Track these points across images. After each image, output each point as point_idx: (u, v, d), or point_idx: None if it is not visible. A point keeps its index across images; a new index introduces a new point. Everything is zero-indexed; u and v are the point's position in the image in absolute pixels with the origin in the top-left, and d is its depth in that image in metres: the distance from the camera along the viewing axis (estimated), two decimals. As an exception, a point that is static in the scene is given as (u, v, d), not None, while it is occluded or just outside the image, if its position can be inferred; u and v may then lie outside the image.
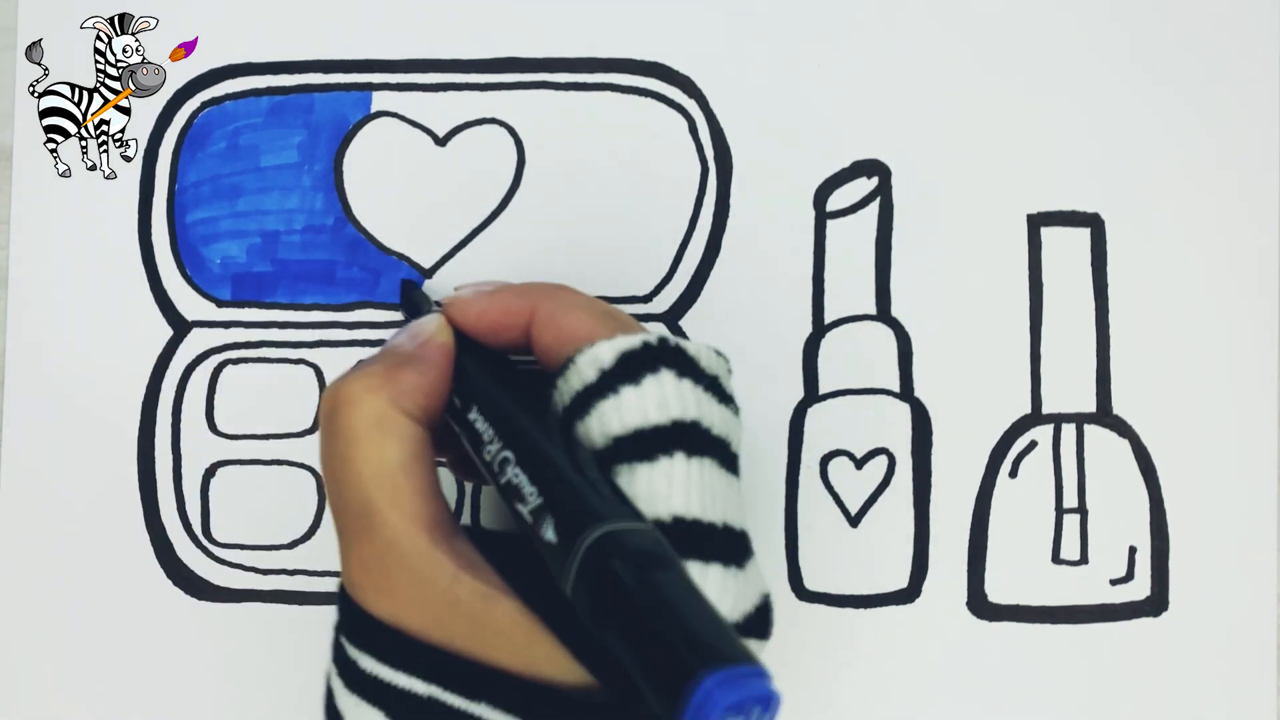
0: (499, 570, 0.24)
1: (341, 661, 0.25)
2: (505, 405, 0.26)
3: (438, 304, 0.29)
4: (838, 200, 0.36)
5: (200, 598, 0.35)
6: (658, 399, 0.25)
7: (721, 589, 0.24)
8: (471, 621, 0.23)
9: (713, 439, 0.25)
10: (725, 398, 0.26)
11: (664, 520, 0.24)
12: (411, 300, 0.33)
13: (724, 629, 0.20)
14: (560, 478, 0.24)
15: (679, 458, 0.24)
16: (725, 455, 0.26)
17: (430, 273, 0.36)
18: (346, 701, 0.24)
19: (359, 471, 0.24)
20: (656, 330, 0.27)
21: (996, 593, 0.35)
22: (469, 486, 0.35)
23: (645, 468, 0.24)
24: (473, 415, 0.26)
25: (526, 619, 0.23)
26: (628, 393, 0.25)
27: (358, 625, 0.24)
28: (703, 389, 0.26)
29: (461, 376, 0.27)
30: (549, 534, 0.23)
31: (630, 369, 0.25)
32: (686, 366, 0.26)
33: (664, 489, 0.24)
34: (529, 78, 0.36)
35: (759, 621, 0.25)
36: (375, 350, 0.28)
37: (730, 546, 0.24)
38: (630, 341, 0.25)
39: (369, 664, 0.24)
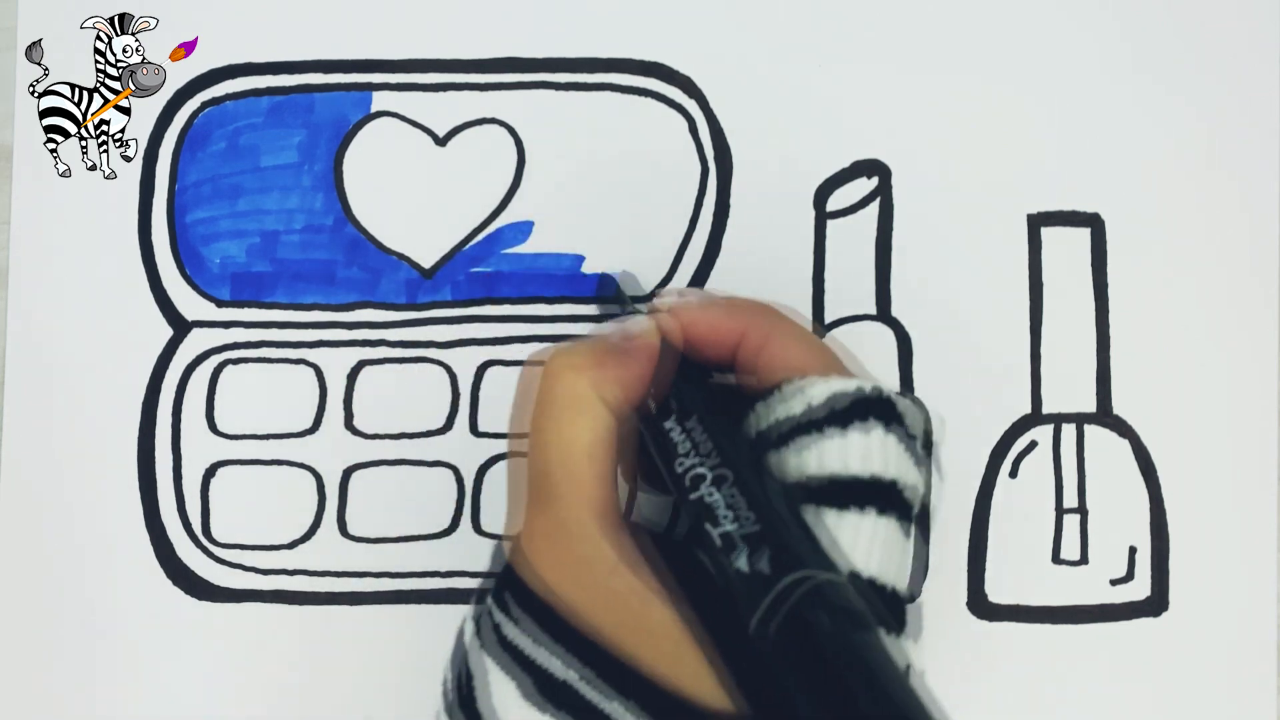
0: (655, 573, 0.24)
1: (487, 621, 0.25)
2: (708, 421, 0.26)
3: (634, 301, 0.29)
4: (838, 200, 0.36)
5: (200, 598, 0.35)
6: (862, 451, 0.25)
7: None
8: (625, 617, 0.23)
9: (903, 501, 0.25)
10: (920, 458, 0.26)
11: (860, 577, 0.24)
12: (612, 295, 0.33)
13: (916, 693, 0.20)
14: (763, 510, 0.23)
15: (869, 514, 0.24)
16: (908, 518, 0.25)
17: (430, 273, 0.36)
18: (482, 664, 0.24)
19: (547, 443, 0.25)
20: (868, 379, 0.26)
21: (996, 593, 0.35)
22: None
23: (833, 516, 0.24)
24: (669, 424, 0.26)
25: (678, 628, 0.23)
26: (832, 437, 0.25)
27: (513, 589, 0.24)
28: (904, 448, 0.25)
29: (662, 384, 0.27)
30: (740, 563, 0.22)
31: (839, 415, 0.25)
32: (894, 421, 0.25)
33: (849, 542, 0.24)
34: (529, 78, 0.36)
35: None
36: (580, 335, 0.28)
37: (898, 612, 0.24)
38: (843, 386, 0.25)
39: (512, 631, 0.24)
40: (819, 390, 0.25)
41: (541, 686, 0.23)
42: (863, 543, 0.24)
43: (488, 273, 0.35)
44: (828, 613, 0.21)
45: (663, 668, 0.23)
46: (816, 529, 0.24)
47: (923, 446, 0.26)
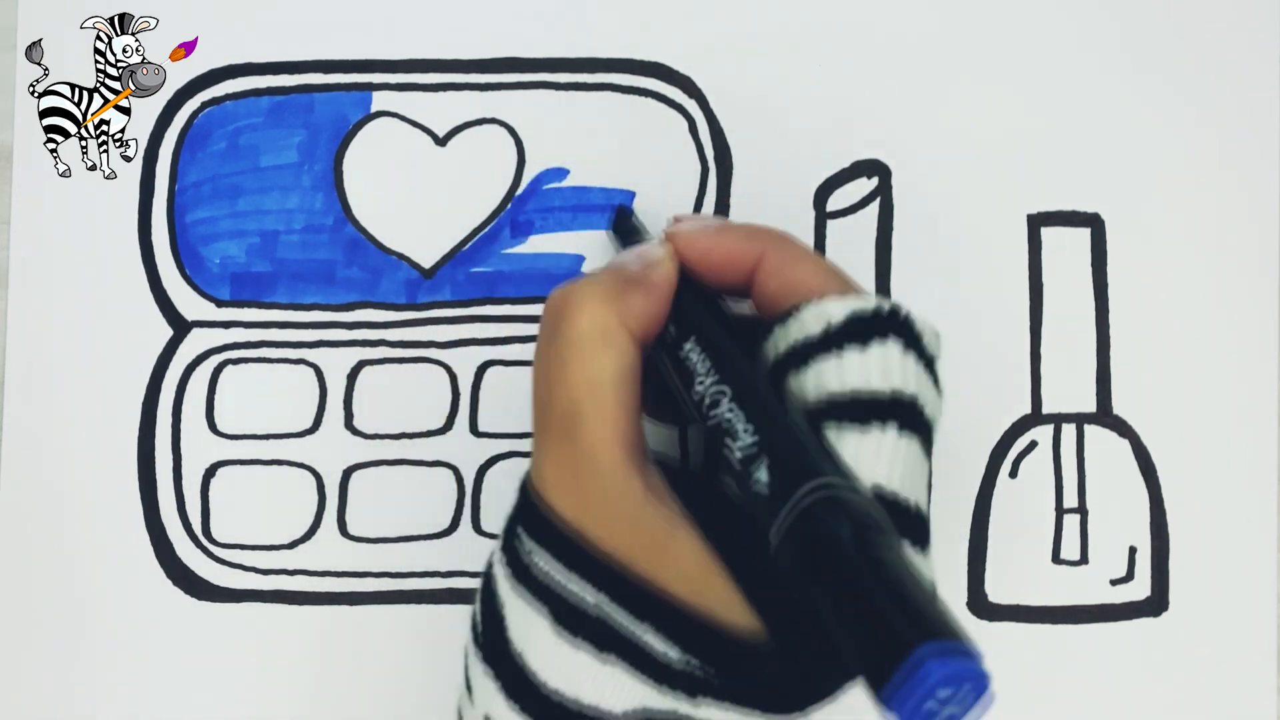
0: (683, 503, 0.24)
1: (513, 555, 0.25)
2: (725, 342, 0.26)
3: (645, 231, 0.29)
4: (838, 200, 0.36)
5: (200, 598, 0.35)
6: (882, 367, 0.24)
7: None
8: (652, 547, 0.23)
9: (924, 419, 0.25)
10: (937, 381, 0.26)
11: (865, 488, 0.23)
12: (625, 226, 0.33)
13: (942, 606, 0.20)
14: (781, 425, 0.23)
15: (891, 431, 0.24)
16: (928, 436, 0.25)
17: (430, 272, 0.36)
18: (511, 597, 0.24)
19: (575, 375, 0.24)
20: (887, 299, 0.26)
21: (996, 593, 0.35)
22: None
23: (855, 433, 0.24)
24: (688, 347, 0.26)
25: (706, 555, 0.23)
26: (853, 355, 0.24)
27: (540, 522, 0.24)
28: (924, 367, 0.25)
29: (680, 308, 0.27)
30: (760, 477, 0.22)
31: (859, 332, 0.25)
32: (913, 340, 0.25)
33: (871, 458, 0.24)
34: (529, 78, 0.36)
35: None
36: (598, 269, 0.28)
37: (920, 530, 0.24)
38: (862, 303, 0.25)
39: (543, 560, 0.24)
40: (838, 309, 0.25)
41: (568, 617, 0.23)
42: (885, 458, 0.24)
43: (488, 273, 0.35)
44: (842, 520, 0.21)
45: (691, 595, 0.23)
46: (840, 445, 0.24)
47: (918, 357, 0.25)
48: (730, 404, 0.24)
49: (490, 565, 0.26)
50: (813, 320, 0.25)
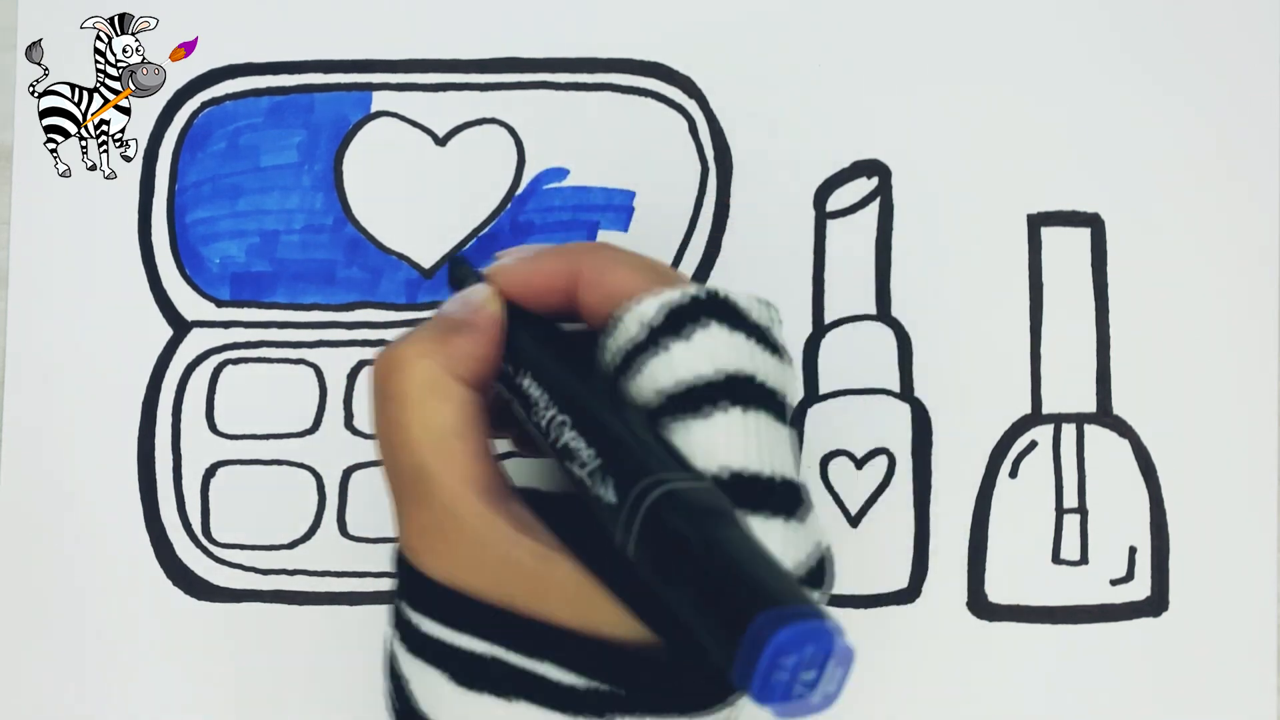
0: (555, 531, 0.24)
1: (402, 626, 0.25)
2: (555, 369, 0.26)
3: (479, 274, 0.29)
4: (838, 200, 0.36)
5: (200, 598, 0.35)
6: (707, 352, 0.24)
7: (783, 543, 0.23)
8: (530, 582, 0.23)
9: (765, 391, 0.25)
10: (775, 348, 0.26)
11: (720, 475, 0.23)
12: (458, 276, 0.33)
13: (783, 575, 0.20)
14: (615, 438, 0.23)
15: (733, 411, 0.24)
16: (777, 406, 0.25)
17: (430, 273, 0.36)
18: (410, 666, 0.24)
19: (413, 435, 0.24)
20: (703, 283, 0.26)
21: (996, 593, 0.35)
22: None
23: (698, 422, 0.24)
24: (525, 382, 0.26)
25: (585, 578, 0.23)
26: (677, 348, 0.24)
27: (417, 589, 0.24)
28: (754, 341, 0.25)
29: (512, 343, 0.27)
30: (607, 494, 0.22)
31: (677, 323, 0.25)
32: (735, 318, 0.25)
33: (719, 443, 0.24)
34: (529, 78, 0.36)
35: (820, 573, 0.24)
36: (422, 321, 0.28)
37: (788, 499, 0.24)
38: (674, 295, 0.25)
39: (430, 627, 0.24)
40: (651, 306, 0.25)
41: (464, 673, 0.23)
42: (734, 439, 0.24)
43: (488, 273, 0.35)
44: (681, 515, 0.21)
45: (581, 620, 0.23)
46: (686, 438, 0.24)
47: (747, 334, 0.25)
48: (571, 431, 0.24)
49: (388, 641, 0.26)
50: (633, 323, 0.25)
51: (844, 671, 0.18)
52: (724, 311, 0.25)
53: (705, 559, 0.20)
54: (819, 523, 0.25)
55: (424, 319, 0.35)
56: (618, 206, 0.35)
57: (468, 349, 0.25)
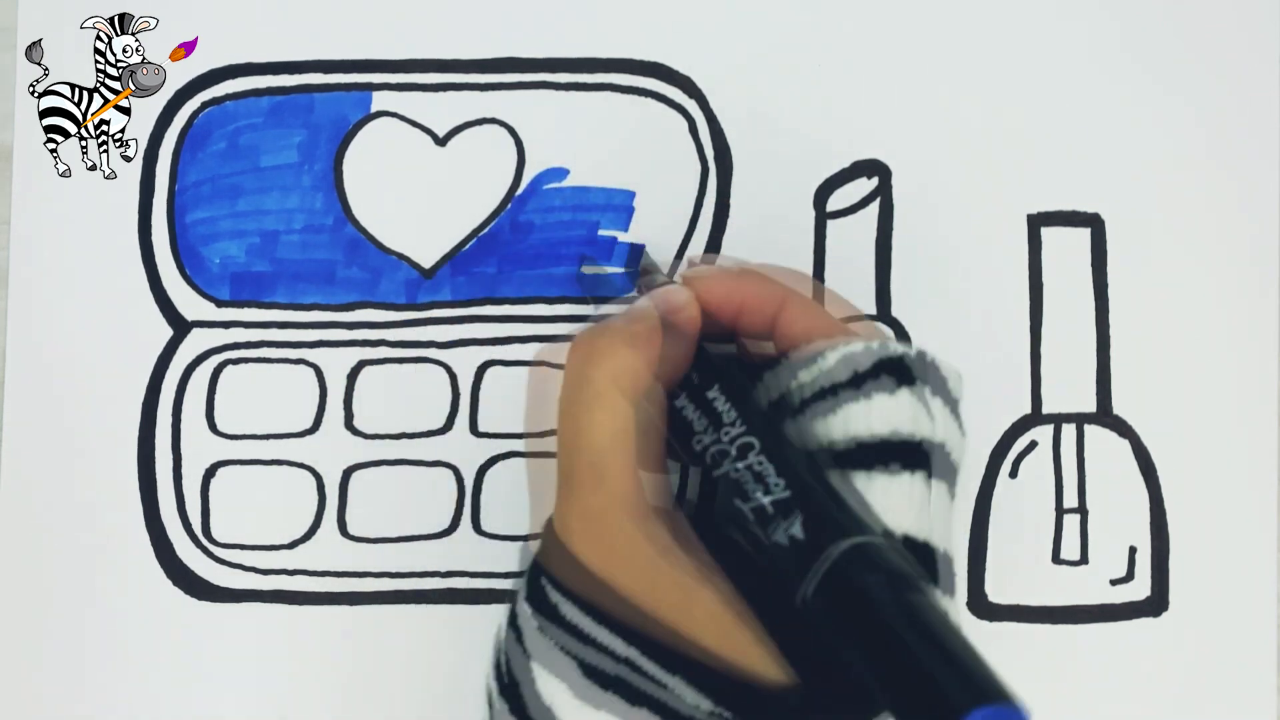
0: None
1: (539, 602, 0.25)
2: (749, 390, 0.26)
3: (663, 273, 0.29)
4: (838, 200, 0.36)
5: (200, 598, 0.35)
6: (882, 411, 0.24)
7: None
8: (679, 596, 0.23)
9: (950, 464, 0.25)
10: (941, 413, 0.26)
11: (894, 536, 0.23)
12: (645, 268, 0.32)
13: (986, 665, 0.20)
14: (812, 477, 0.23)
15: (920, 477, 0.24)
16: (954, 482, 0.25)
17: (430, 272, 0.36)
18: (538, 645, 0.24)
19: (601, 424, 0.24)
20: (875, 338, 0.26)
21: (996, 593, 0.35)
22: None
23: (884, 479, 0.24)
24: (712, 394, 0.26)
25: (732, 606, 0.23)
26: (852, 400, 0.24)
27: (568, 570, 0.24)
28: (949, 411, 0.25)
29: (702, 354, 0.26)
30: (790, 529, 0.22)
31: (856, 376, 0.25)
32: (939, 385, 0.25)
33: (902, 505, 0.24)
34: (529, 78, 0.36)
35: None
36: (606, 316, 0.28)
37: (948, 575, 0.24)
38: (856, 347, 0.25)
39: (571, 612, 0.24)
40: (833, 355, 0.25)
41: (596, 670, 0.23)
42: (916, 505, 0.24)
43: (488, 273, 0.36)
44: (875, 574, 0.21)
45: (719, 646, 0.23)
46: (869, 491, 0.24)
47: (944, 402, 0.25)
48: (758, 455, 0.24)
49: (514, 612, 0.25)
50: (839, 365, 0.25)
51: None
52: (900, 371, 0.25)
53: (909, 630, 0.20)
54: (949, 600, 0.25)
55: (426, 319, 0.35)
56: (618, 206, 0.35)
57: (668, 349, 0.25)
